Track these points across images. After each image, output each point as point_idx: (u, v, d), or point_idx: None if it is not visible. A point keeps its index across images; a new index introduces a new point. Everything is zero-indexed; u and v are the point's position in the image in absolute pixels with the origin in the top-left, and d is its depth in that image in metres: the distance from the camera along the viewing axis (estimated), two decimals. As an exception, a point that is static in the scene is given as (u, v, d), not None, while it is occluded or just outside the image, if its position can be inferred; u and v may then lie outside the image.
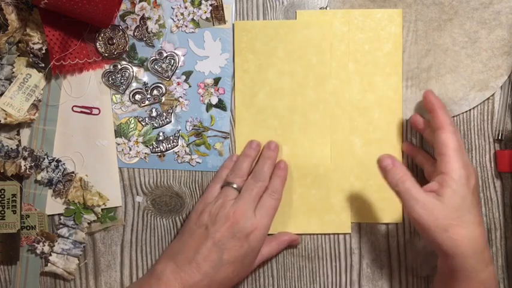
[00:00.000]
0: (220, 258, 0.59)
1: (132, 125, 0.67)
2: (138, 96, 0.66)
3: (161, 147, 0.67)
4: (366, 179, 0.66)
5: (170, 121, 0.67)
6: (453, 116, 0.66)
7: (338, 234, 0.67)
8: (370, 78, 0.66)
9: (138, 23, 0.66)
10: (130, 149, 0.67)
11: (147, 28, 0.66)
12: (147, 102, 0.67)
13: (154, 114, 0.67)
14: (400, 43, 0.65)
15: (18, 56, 0.64)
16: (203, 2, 0.66)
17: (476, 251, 0.55)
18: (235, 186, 0.63)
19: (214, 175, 0.66)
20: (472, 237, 0.55)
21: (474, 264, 0.55)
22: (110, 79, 0.66)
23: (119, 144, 0.66)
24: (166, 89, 0.67)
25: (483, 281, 0.56)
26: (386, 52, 0.66)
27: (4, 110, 0.64)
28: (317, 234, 0.67)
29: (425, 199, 0.56)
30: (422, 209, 0.55)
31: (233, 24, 0.66)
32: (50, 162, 0.65)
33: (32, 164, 0.65)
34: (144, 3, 0.65)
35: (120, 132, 0.67)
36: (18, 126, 0.66)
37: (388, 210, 0.66)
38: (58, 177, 0.65)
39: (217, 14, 0.66)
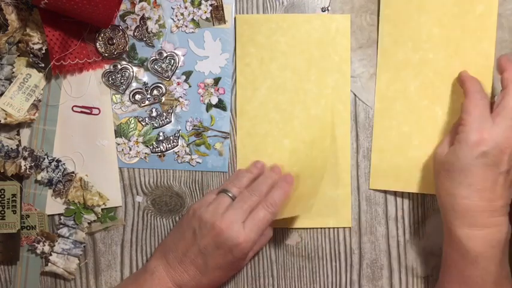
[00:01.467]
0: (206, 264, 0.60)
1: (132, 125, 0.67)
2: (138, 96, 0.66)
3: (161, 147, 0.67)
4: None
5: (170, 121, 0.67)
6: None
7: (338, 228, 0.67)
8: (457, 43, 0.63)
9: (138, 23, 0.66)
10: (130, 149, 0.67)
11: (147, 28, 0.66)
12: (147, 102, 0.67)
13: (154, 114, 0.67)
14: (495, 4, 0.62)
15: (18, 56, 0.64)
16: (203, 2, 0.66)
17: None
18: (230, 194, 0.62)
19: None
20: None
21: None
22: (110, 79, 0.66)
23: (119, 144, 0.66)
24: (166, 89, 0.67)
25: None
26: (478, 14, 0.62)
27: (4, 110, 0.64)
28: (317, 228, 0.67)
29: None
30: None
31: (235, 18, 0.66)
32: (50, 162, 0.65)
33: (32, 164, 0.65)
34: (144, 3, 0.65)
35: (120, 132, 0.67)
36: (18, 126, 0.66)
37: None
38: (58, 177, 0.65)
39: (217, 14, 0.66)
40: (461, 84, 0.62)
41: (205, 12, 0.66)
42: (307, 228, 0.67)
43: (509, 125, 0.57)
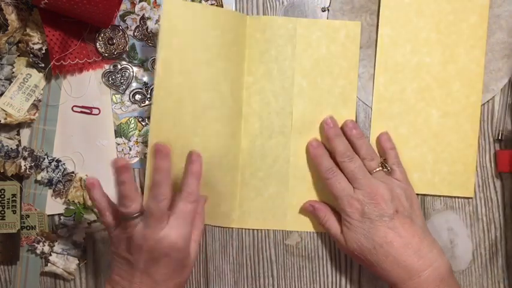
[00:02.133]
0: (155, 281, 0.57)
1: (132, 125, 0.67)
2: (138, 96, 0.66)
3: (161, 147, 0.67)
4: (440, 151, 0.65)
5: (170, 121, 0.67)
6: (453, 116, 0.66)
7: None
8: (452, 49, 0.65)
9: (138, 23, 0.66)
10: (130, 149, 0.67)
11: (147, 28, 0.66)
12: (147, 102, 0.67)
13: (154, 114, 0.67)
14: (486, 15, 0.64)
15: (18, 56, 0.64)
16: (203, 2, 0.66)
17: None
18: (129, 217, 0.56)
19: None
20: None
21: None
22: (110, 79, 0.66)
23: (119, 144, 0.66)
24: (166, 89, 0.66)
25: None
26: (471, 24, 0.65)
27: (4, 110, 0.64)
28: (317, 233, 0.67)
29: None
30: None
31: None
32: (50, 162, 0.65)
33: (32, 164, 0.65)
34: (144, 3, 0.66)
35: (120, 132, 0.67)
36: (18, 126, 0.66)
37: (459, 184, 0.66)
38: (58, 177, 0.65)
39: (217, 14, 0.66)
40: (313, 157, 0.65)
41: (205, 12, 0.66)
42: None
43: (362, 182, 0.60)
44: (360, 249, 0.60)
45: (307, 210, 0.65)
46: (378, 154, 0.64)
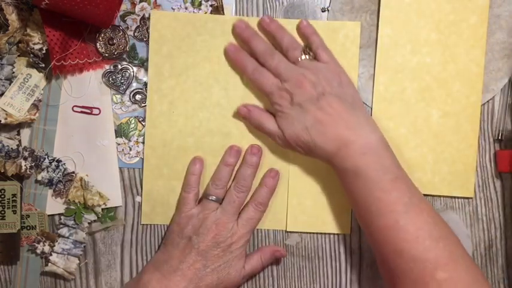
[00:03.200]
0: (205, 266, 0.61)
1: (132, 125, 0.67)
2: (138, 96, 0.67)
3: (161, 147, 0.67)
4: (440, 151, 0.66)
5: (170, 121, 0.67)
6: (453, 116, 0.66)
7: (338, 234, 0.67)
8: (452, 49, 0.65)
9: (138, 23, 0.66)
10: (130, 149, 0.67)
11: (147, 28, 0.66)
12: (147, 103, 0.67)
13: (154, 114, 0.67)
14: (486, 15, 0.65)
15: (19, 56, 0.64)
16: (203, 2, 0.66)
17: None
18: (213, 198, 0.63)
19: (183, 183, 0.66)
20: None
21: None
22: (110, 79, 0.66)
23: (119, 144, 0.67)
24: (166, 89, 0.67)
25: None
26: (471, 24, 0.65)
27: (4, 110, 0.64)
28: (317, 233, 0.67)
29: None
30: None
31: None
32: (50, 162, 0.65)
33: (33, 164, 0.65)
34: (145, 4, 0.66)
35: (120, 132, 0.67)
36: (18, 126, 0.66)
37: (459, 184, 0.66)
38: (58, 177, 0.65)
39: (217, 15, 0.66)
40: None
41: (206, 12, 0.66)
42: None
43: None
44: (295, 135, 0.61)
45: (241, 114, 0.64)
46: (299, 43, 0.64)
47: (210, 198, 0.63)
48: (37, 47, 0.63)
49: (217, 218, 0.62)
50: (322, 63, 0.62)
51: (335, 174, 0.62)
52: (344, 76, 0.63)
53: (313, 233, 0.67)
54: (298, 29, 0.65)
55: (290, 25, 0.65)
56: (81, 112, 0.66)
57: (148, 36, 0.66)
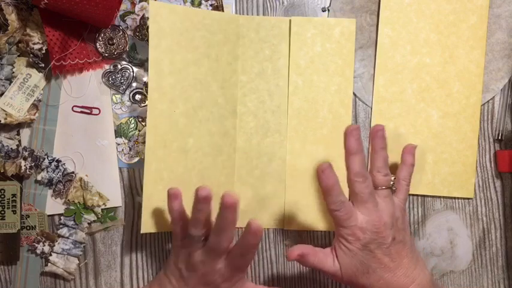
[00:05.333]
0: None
1: (132, 125, 0.67)
2: (138, 96, 0.67)
3: (161, 147, 0.67)
4: (440, 151, 0.66)
5: (170, 121, 0.67)
6: (453, 116, 0.66)
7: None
8: (452, 50, 0.65)
9: (138, 23, 0.66)
10: (130, 149, 0.67)
11: (147, 28, 0.66)
12: (147, 102, 0.66)
13: (154, 114, 0.67)
14: (486, 16, 0.65)
15: (18, 56, 0.64)
16: (203, 2, 0.66)
17: None
18: (196, 238, 0.58)
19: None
20: None
21: None
22: (110, 79, 0.66)
23: (119, 144, 0.67)
24: (166, 89, 0.67)
25: None
26: (471, 24, 0.65)
27: (4, 110, 0.64)
28: (317, 232, 0.67)
29: None
30: None
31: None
32: (50, 162, 0.65)
33: (32, 164, 0.65)
34: (144, 3, 0.66)
35: (120, 132, 0.67)
36: (18, 126, 0.66)
37: (459, 185, 0.66)
38: (58, 177, 0.65)
39: (217, 14, 0.66)
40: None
41: (206, 12, 0.66)
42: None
43: (368, 207, 0.58)
44: (354, 275, 0.59)
45: (295, 260, 0.60)
46: (389, 172, 0.61)
47: (193, 235, 0.58)
48: (37, 47, 0.62)
49: (203, 257, 0.58)
50: (397, 202, 0.61)
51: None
52: (406, 215, 0.63)
53: (314, 231, 0.67)
54: (404, 149, 0.63)
55: (285, 22, 0.65)
56: (81, 112, 0.66)
57: (149, 36, 0.65)
